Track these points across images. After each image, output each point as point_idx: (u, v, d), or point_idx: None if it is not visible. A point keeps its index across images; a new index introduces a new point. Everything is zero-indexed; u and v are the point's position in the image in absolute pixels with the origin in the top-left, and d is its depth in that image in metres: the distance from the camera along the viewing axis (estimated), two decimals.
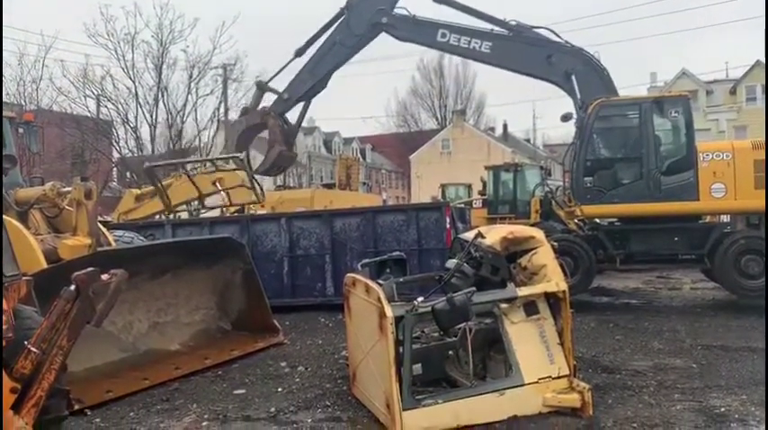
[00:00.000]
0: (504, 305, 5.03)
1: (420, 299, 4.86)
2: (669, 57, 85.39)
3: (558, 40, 11.15)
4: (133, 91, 28.39)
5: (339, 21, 12.00)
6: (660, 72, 67.26)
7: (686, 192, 9.70)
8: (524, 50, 11.17)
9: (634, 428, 4.59)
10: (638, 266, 10.99)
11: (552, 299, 5.10)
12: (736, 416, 4.79)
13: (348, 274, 5.79)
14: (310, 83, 12.23)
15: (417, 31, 11.80)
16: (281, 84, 12.80)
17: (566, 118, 11.08)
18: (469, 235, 5.74)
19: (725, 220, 11.71)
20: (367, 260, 6.49)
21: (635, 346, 7.33)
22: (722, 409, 4.94)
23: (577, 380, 4.99)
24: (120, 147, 29.07)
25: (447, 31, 11.39)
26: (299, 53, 12.60)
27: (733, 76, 48.34)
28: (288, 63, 12.65)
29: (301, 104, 12.66)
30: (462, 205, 17.00)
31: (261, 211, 13.70)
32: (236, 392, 5.98)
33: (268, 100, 12.88)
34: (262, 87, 13.06)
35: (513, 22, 11.25)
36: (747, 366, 6.26)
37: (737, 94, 46.48)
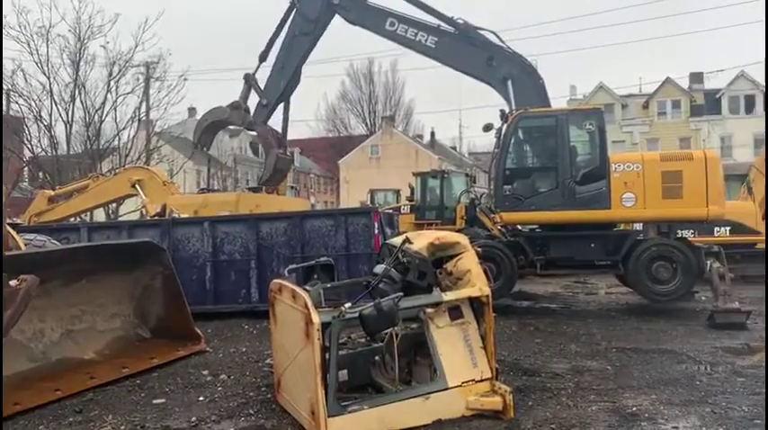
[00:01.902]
0: (429, 310, 5.09)
1: (347, 304, 4.85)
2: (588, 71, 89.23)
3: (500, 44, 11.44)
4: (48, 87, 27.00)
5: (292, 14, 11.96)
6: (579, 86, 70.07)
7: (599, 201, 10.12)
8: (467, 50, 11.41)
9: (552, 429, 4.73)
10: (557, 272, 11.37)
11: (476, 303, 5.20)
12: (647, 415, 5.03)
13: (274, 280, 5.71)
14: (283, 82, 12.13)
15: (367, 15, 11.92)
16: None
17: (487, 128, 11.37)
18: (397, 240, 5.78)
19: (638, 228, 12.31)
20: (294, 265, 6.42)
21: (554, 349, 7.58)
22: (634, 409, 5.17)
23: (499, 383, 5.10)
24: (32, 145, 27.55)
25: (396, 20, 11.57)
26: (263, 58, 12.51)
27: (646, 91, 51.03)
28: (257, 69, 12.54)
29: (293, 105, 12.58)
30: (390, 210, 17.13)
31: (183, 215, 13.32)
32: (155, 402, 5.77)
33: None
34: (249, 81, 12.71)
35: (461, 21, 11.48)
36: (657, 367, 6.58)
37: (650, 109, 49.07)
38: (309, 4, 12.00)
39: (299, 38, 11.98)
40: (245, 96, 12.67)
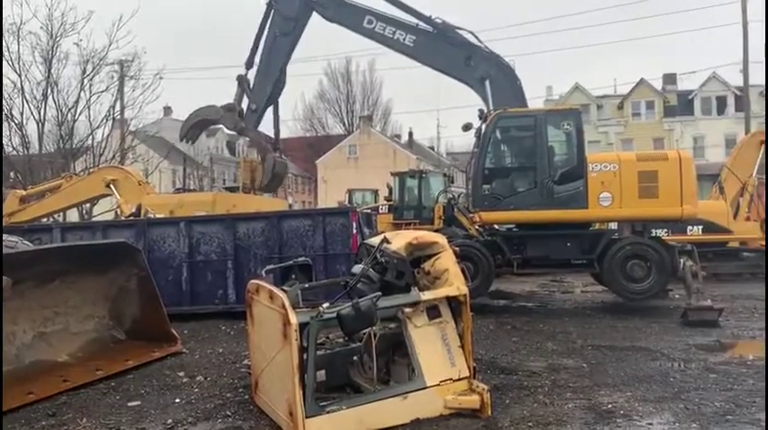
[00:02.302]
0: (408, 309, 5.09)
1: (325, 305, 4.83)
2: (564, 72, 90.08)
3: (478, 44, 11.49)
4: (18, 85, 26.50)
5: (271, 16, 11.89)
6: (556, 86, 70.81)
7: (576, 201, 10.23)
8: (445, 49, 11.45)
9: (529, 427, 4.77)
10: (534, 271, 11.47)
11: (454, 302, 5.22)
12: (622, 412, 5.09)
13: (251, 281, 5.67)
14: (269, 85, 12.04)
15: (345, 13, 11.89)
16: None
17: (466, 128, 11.42)
18: (375, 240, 5.78)
19: (613, 227, 12.46)
20: (271, 266, 6.38)
21: (531, 348, 7.64)
22: (609, 406, 5.23)
23: (477, 381, 5.12)
24: (2, 144, 27.01)
25: (374, 18, 11.56)
26: (249, 65, 12.41)
27: (620, 92, 51.72)
28: (246, 74, 12.43)
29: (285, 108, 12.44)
30: (368, 210, 17.13)
31: (159, 215, 13.18)
32: (130, 404, 5.70)
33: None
34: (242, 84, 12.55)
35: (439, 20, 11.51)
36: (632, 364, 6.67)
37: (624, 109, 49.74)
38: (287, 3, 11.97)
39: (279, 38, 11.94)
40: (239, 99, 12.55)
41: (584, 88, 50.48)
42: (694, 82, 49.42)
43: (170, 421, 5.16)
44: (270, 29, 11.96)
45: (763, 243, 14.62)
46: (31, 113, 26.90)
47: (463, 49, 11.38)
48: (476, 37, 11.56)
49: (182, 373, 6.67)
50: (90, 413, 5.47)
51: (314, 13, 12.11)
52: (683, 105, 48.60)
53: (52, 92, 27.16)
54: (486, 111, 11.05)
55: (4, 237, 8.33)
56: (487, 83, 11.11)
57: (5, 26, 25.86)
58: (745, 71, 29.02)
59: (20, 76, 26.34)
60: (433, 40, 11.54)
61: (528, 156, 10.72)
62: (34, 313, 6.65)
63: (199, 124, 12.40)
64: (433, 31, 11.55)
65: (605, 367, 6.60)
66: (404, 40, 11.51)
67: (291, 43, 12.10)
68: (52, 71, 27.03)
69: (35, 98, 26.96)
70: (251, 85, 12.41)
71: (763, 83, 36.04)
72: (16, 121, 26.52)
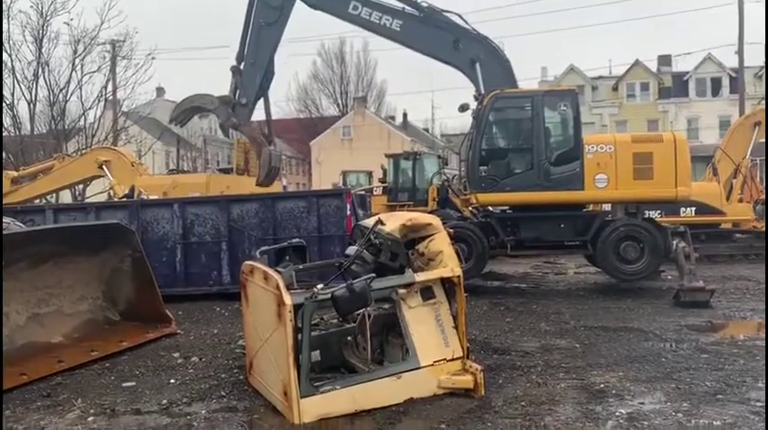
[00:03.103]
0: (402, 290, 5.10)
1: (320, 286, 4.84)
2: (559, 52, 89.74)
3: (466, 26, 11.39)
4: (9, 65, 26.20)
5: (255, 6, 11.69)
6: (550, 67, 70.42)
7: (572, 182, 10.23)
8: (433, 33, 11.32)
9: (522, 406, 4.81)
10: (527, 252, 11.50)
11: (448, 283, 5.23)
12: (614, 391, 5.14)
13: (246, 262, 5.67)
14: (258, 76, 11.83)
15: (329, 0, 11.70)
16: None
17: (463, 108, 11.36)
18: (370, 222, 5.77)
19: (606, 209, 12.49)
20: (266, 247, 6.38)
21: (524, 328, 7.69)
22: (602, 386, 5.28)
23: (470, 361, 5.16)
24: (2, 131, 26.74)
25: (359, 3, 11.36)
26: (239, 58, 12.22)
27: (615, 73, 51.56)
28: (238, 67, 12.26)
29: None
30: (363, 192, 17.10)
31: (152, 196, 13.13)
32: (125, 385, 5.72)
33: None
34: (237, 74, 12.37)
35: (425, 4, 11.38)
36: (624, 345, 6.72)
37: (619, 91, 49.63)
38: None
39: (265, 28, 11.69)
40: (234, 90, 12.41)
41: (579, 69, 50.30)
42: (689, 63, 49.40)
43: (165, 401, 5.18)
44: (254, 19, 11.75)
45: (756, 224, 14.72)
46: (22, 94, 26.66)
47: (451, 33, 11.27)
48: (463, 19, 11.46)
49: (176, 354, 6.69)
50: (85, 393, 5.48)
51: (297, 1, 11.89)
52: (677, 87, 48.52)
53: (43, 72, 26.88)
54: (482, 92, 10.98)
55: None
56: (477, 65, 11.03)
57: None
58: (740, 52, 28.96)
59: (10, 55, 26.06)
60: (420, 24, 11.40)
61: (525, 137, 10.69)
62: (27, 294, 6.64)
63: (191, 110, 12.24)
64: (420, 14, 11.42)
65: (598, 347, 6.64)
66: (390, 24, 11.36)
67: (277, 33, 11.88)
68: (43, 51, 26.73)
69: (26, 78, 26.70)
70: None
71: (759, 64, 36.09)
72: (7, 102, 26.27)
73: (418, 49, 11.66)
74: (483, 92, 10.81)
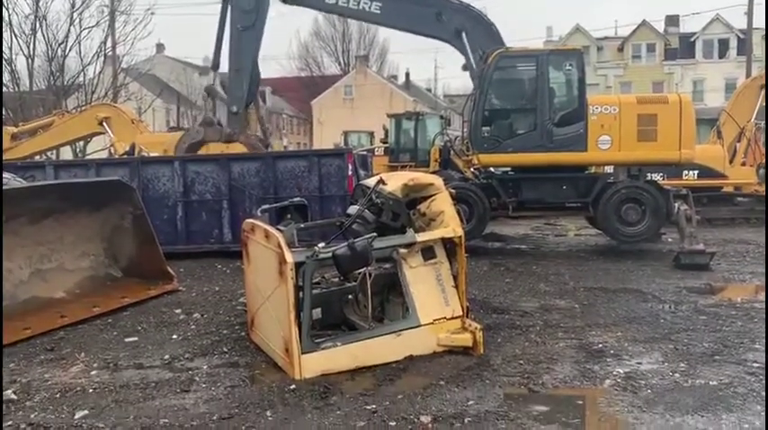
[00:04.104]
0: (403, 250, 5.10)
1: (321, 244, 4.84)
2: (565, 11, 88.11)
3: None
4: (6, 18, 25.79)
5: (229, 12, 11.40)
6: (556, 27, 69.28)
7: (576, 144, 10.15)
8: (414, 10, 11.13)
9: (521, 364, 4.86)
10: (528, 213, 11.49)
11: (449, 244, 5.23)
12: (612, 351, 5.19)
13: (247, 220, 5.67)
14: (245, 83, 11.66)
15: None
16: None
17: (466, 67, 11.22)
18: (371, 181, 5.75)
19: (608, 172, 12.44)
20: (267, 206, 6.36)
21: (523, 289, 7.73)
22: (600, 346, 5.33)
23: (470, 320, 5.19)
24: (2, 89, 26.48)
25: None
26: (215, 66, 12.03)
27: (621, 33, 50.77)
28: (214, 78, 12.19)
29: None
30: (364, 152, 17.01)
31: (153, 154, 13.08)
32: (127, 340, 5.77)
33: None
34: (212, 93, 12.24)
35: None
36: (623, 306, 6.77)
37: (624, 52, 48.92)
38: None
39: (243, 33, 11.43)
40: (213, 109, 12.26)
41: (584, 29, 49.51)
42: (698, 23, 48.53)
43: (167, 357, 5.24)
44: (231, 25, 11.47)
45: (758, 189, 14.67)
46: (20, 48, 26.34)
47: (432, 6, 11.05)
48: None
49: (178, 310, 6.74)
50: (88, 348, 5.54)
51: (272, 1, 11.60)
52: (684, 48, 47.82)
53: (41, 26, 26.54)
54: (467, 63, 10.83)
55: None
56: (464, 35, 10.86)
57: None
58: (749, 13, 28.44)
59: (7, 9, 25.64)
60: (399, 3, 11.17)
61: (528, 97, 10.56)
62: (29, 250, 6.66)
63: (190, 149, 12.07)
64: None
65: (597, 308, 6.69)
66: (369, 8, 11.12)
67: (257, 35, 11.61)
68: (40, 4, 26.31)
69: (24, 33, 26.35)
70: (225, 88, 12.06)
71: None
72: (5, 57, 25.95)
73: (401, 27, 11.51)
74: (472, 60, 10.65)
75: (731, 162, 14.84)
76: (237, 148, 12.31)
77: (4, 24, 25.42)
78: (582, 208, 10.71)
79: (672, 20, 50.01)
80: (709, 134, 16.09)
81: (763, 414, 3.91)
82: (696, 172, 14.23)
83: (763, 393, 4.20)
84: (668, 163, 10.98)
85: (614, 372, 4.69)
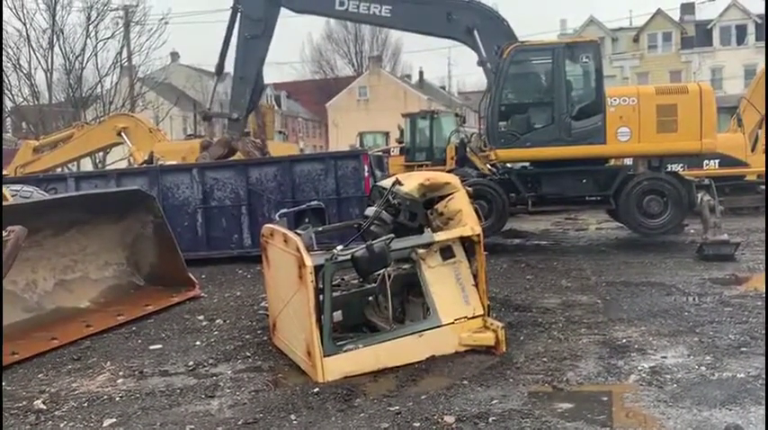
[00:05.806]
0: (421, 250, 5.09)
1: (339, 247, 4.86)
2: (578, 3, 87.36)
3: None
4: (24, 33, 26.22)
5: (238, 20, 11.49)
6: (570, 19, 68.68)
7: (594, 136, 10.04)
8: (423, 11, 11.10)
9: (544, 362, 4.83)
10: (548, 208, 11.41)
11: (467, 242, 5.21)
12: (636, 346, 5.13)
13: (266, 225, 5.70)
14: (248, 90, 11.74)
15: (314, 1, 11.49)
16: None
17: (482, 62, 11.16)
18: (387, 182, 5.74)
19: (628, 164, 12.31)
20: (285, 210, 6.40)
21: (545, 285, 7.67)
22: (624, 341, 5.27)
23: (491, 319, 5.17)
24: (13, 95, 26.93)
25: None
26: (218, 71, 12.14)
27: (636, 24, 50.21)
28: (212, 98, 12.63)
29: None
30: (380, 153, 17.02)
31: (170, 162, 13.20)
32: (152, 348, 5.83)
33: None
34: (208, 117, 12.41)
35: None
36: (646, 300, 6.69)
37: (640, 42, 48.38)
38: (252, 4, 11.41)
39: (250, 41, 11.49)
40: (211, 133, 12.43)
41: (599, 21, 49.06)
42: (714, 10, 47.80)
43: (191, 363, 5.29)
44: (239, 33, 11.54)
45: None
46: (39, 63, 26.76)
47: (442, 6, 11.00)
48: None
49: (201, 317, 6.80)
50: (113, 357, 5.61)
51: (281, 9, 11.64)
52: (701, 36, 47.15)
53: (58, 40, 26.96)
54: (481, 59, 10.79)
55: (20, 187, 8.42)
56: (475, 32, 10.80)
57: None
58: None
59: (24, 24, 26.08)
60: (409, 5, 11.13)
61: (545, 90, 10.47)
62: (53, 261, 6.76)
63: (223, 146, 12.18)
64: None
65: (619, 303, 6.62)
66: (380, 12, 11.10)
67: (264, 45, 11.66)
68: (57, 18, 26.71)
69: (41, 47, 26.76)
70: (222, 106, 12.25)
71: None
72: (24, 71, 26.39)
73: (412, 29, 11.51)
74: (485, 57, 10.59)
75: (753, 150, 14.59)
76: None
77: (21, 39, 25.86)
78: (603, 201, 10.60)
79: (687, 8, 49.36)
80: (730, 122, 15.82)
81: None
82: (717, 161, 14.01)
83: None
84: (689, 154, 10.84)
85: (639, 367, 4.63)
